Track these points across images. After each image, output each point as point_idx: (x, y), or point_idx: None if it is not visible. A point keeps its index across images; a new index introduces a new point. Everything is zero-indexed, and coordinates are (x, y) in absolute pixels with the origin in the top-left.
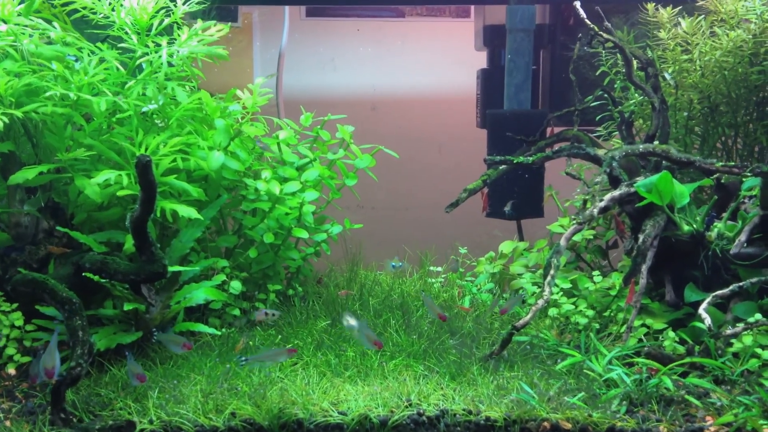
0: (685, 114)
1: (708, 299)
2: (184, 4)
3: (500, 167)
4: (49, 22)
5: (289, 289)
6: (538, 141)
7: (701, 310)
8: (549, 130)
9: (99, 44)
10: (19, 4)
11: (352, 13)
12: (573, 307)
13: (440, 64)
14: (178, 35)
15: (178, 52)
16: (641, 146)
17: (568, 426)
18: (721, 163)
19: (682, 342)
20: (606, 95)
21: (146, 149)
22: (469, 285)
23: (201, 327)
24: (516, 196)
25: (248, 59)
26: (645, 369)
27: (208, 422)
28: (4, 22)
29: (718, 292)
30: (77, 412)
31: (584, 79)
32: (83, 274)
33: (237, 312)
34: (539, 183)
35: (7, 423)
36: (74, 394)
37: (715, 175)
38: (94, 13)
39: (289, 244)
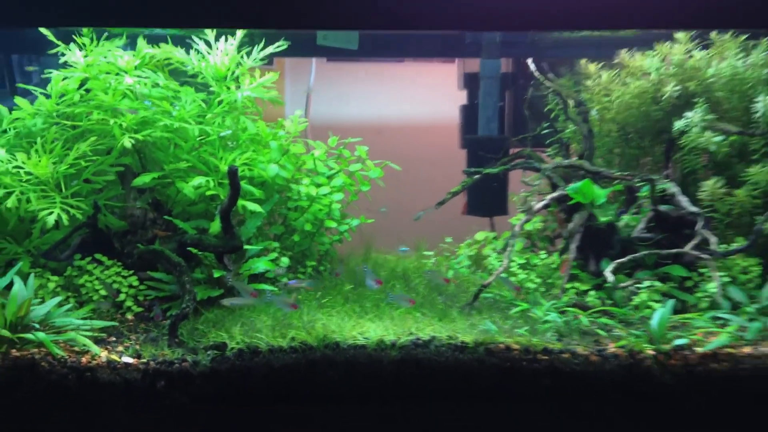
0: (607, 139)
1: (612, 265)
2: (250, 59)
3: (474, 176)
4: (155, 72)
5: (320, 265)
6: (502, 158)
7: (606, 272)
8: (511, 150)
9: (186, 87)
10: (136, 61)
11: (362, 59)
12: (526, 276)
13: (431, 99)
14: (242, 80)
15: (243, 93)
16: (566, 161)
17: (517, 347)
18: (619, 173)
19: (600, 299)
20: (551, 125)
21: (225, 162)
22: (453, 263)
23: (263, 286)
24: (487, 198)
25: (280, 94)
26: (572, 316)
27: (276, 343)
28: (127, 73)
29: (617, 261)
30: (185, 339)
31: (538, 112)
32: (186, 248)
33: (285, 279)
34: (504, 189)
35: (137, 347)
36: (181, 328)
37: (621, 181)
38: (185, 66)
39: (321, 233)
